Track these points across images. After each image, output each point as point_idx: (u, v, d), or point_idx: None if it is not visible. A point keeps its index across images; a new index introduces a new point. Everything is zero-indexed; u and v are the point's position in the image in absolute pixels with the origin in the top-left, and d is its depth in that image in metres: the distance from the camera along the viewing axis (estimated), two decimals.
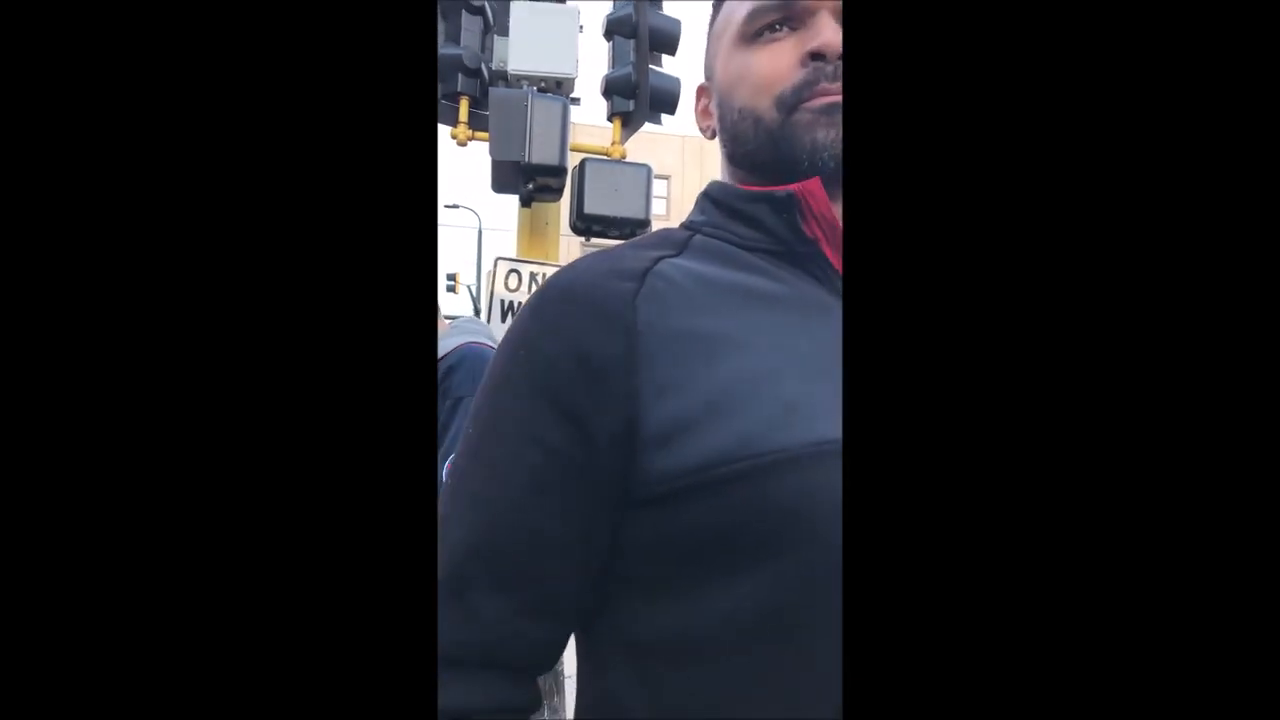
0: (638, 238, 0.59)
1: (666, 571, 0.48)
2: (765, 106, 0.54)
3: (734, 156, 0.58)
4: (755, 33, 0.55)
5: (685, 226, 0.58)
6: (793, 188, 0.52)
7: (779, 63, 0.53)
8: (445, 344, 1.49)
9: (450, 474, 0.52)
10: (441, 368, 1.44)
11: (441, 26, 2.86)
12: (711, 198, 0.58)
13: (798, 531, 0.45)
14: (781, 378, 0.47)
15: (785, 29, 0.54)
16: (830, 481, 0.44)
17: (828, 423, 0.46)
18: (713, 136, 0.62)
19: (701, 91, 0.63)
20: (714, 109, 0.60)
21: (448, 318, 1.69)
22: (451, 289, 15.32)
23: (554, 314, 0.50)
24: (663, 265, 0.52)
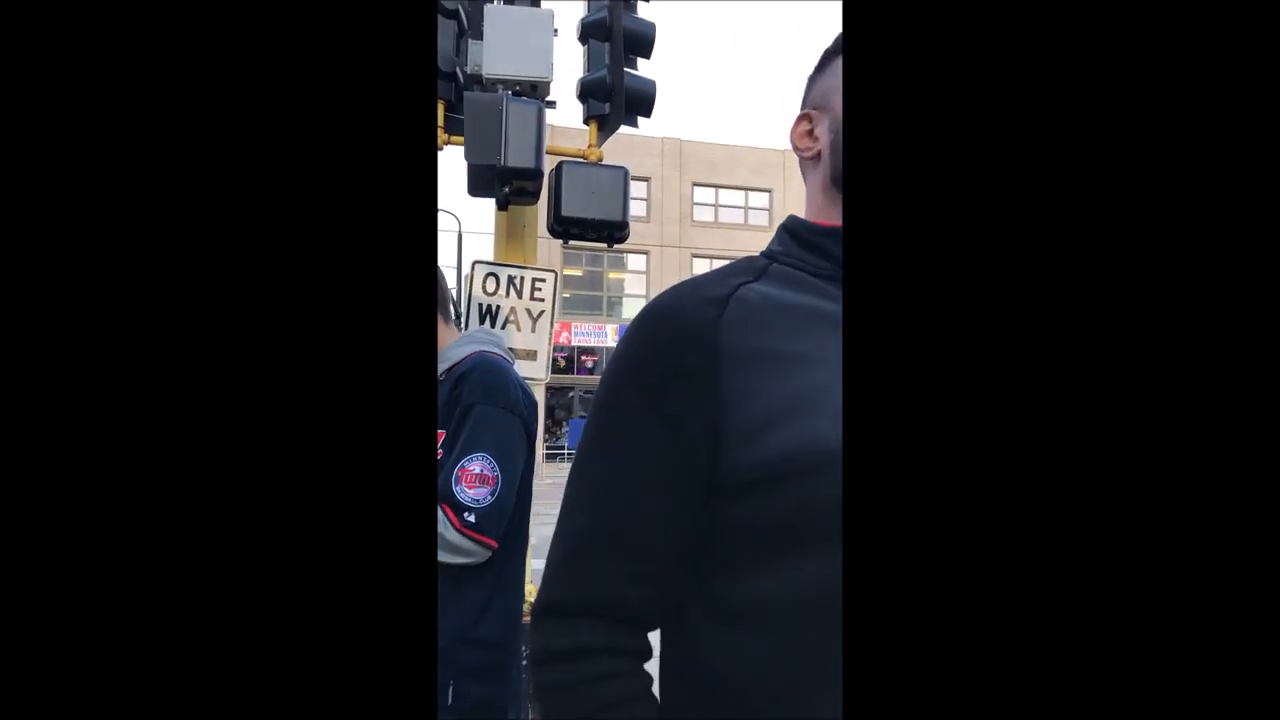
0: (724, 265, 0.68)
1: (748, 550, 0.57)
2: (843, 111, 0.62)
3: (840, 178, 0.66)
4: None
5: (764, 255, 0.68)
6: None
7: None
8: (458, 352, 1.49)
9: (573, 470, 0.64)
10: (453, 376, 1.44)
11: None
12: (789, 230, 0.69)
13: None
14: (840, 386, 0.53)
15: None
16: None
17: None
18: (813, 158, 0.70)
19: (805, 118, 0.72)
20: (823, 135, 0.69)
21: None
22: None
23: (652, 335, 0.61)
24: (742, 291, 0.61)
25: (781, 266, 0.66)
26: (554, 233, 2.81)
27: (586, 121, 3.04)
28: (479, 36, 2.83)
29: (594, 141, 3.02)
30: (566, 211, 2.70)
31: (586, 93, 2.99)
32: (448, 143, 2.79)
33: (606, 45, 2.98)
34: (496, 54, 2.68)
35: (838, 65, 0.70)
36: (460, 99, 2.73)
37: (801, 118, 0.73)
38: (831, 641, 0.51)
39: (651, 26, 3.08)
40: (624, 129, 3.15)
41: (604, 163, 2.90)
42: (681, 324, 0.60)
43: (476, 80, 2.84)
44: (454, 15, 2.84)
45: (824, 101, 0.70)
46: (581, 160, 2.92)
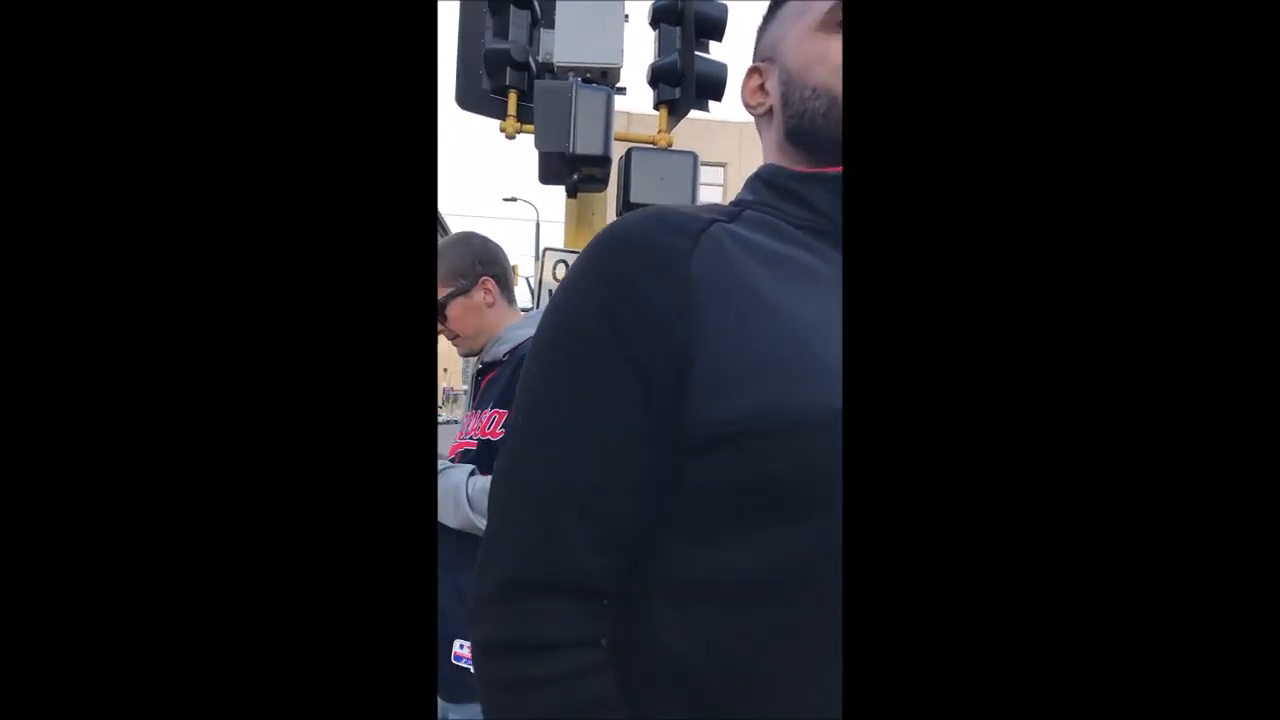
0: (697, 205, 0.62)
1: (710, 518, 0.50)
2: (841, 88, 0.56)
3: (794, 133, 0.61)
4: (839, 21, 0.59)
5: (734, 204, 0.61)
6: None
7: None
8: (522, 332, 1.52)
9: (522, 420, 0.54)
10: (516, 356, 1.47)
11: (490, 22, 2.90)
12: (763, 179, 0.62)
13: (832, 488, 0.46)
14: (823, 344, 0.49)
15: None
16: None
17: None
18: (764, 114, 0.64)
19: (754, 72, 0.66)
20: (774, 88, 0.63)
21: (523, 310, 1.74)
22: None
23: (612, 263, 0.52)
24: (716, 228, 0.54)
25: (756, 213, 0.58)
26: None
27: (657, 107, 3.04)
28: (551, 26, 2.86)
29: (664, 127, 3.02)
30: (635, 198, 2.71)
31: (657, 78, 2.99)
32: (520, 131, 2.84)
33: (678, 29, 2.96)
34: (567, 42, 2.70)
35: (785, 10, 0.64)
36: (533, 88, 2.77)
37: (751, 71, 0.66)
38: (800, 626, 0.48)
39: (723, 9, 3.04)
40: (702, 114, 3.13)
41: (673, 148, 2.89)
42: (646, 253, 0.51)
43: (549, 69, 2.88)
44: (527, 5, 2.88)
45: (772, 52, 0.64)
46: (651, 146, 2.92)
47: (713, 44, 3.09)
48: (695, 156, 2.80)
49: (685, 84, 2.93)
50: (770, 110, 0.64)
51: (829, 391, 0.47)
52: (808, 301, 0.51)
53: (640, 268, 0.51)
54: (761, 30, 0.67)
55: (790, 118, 0.61)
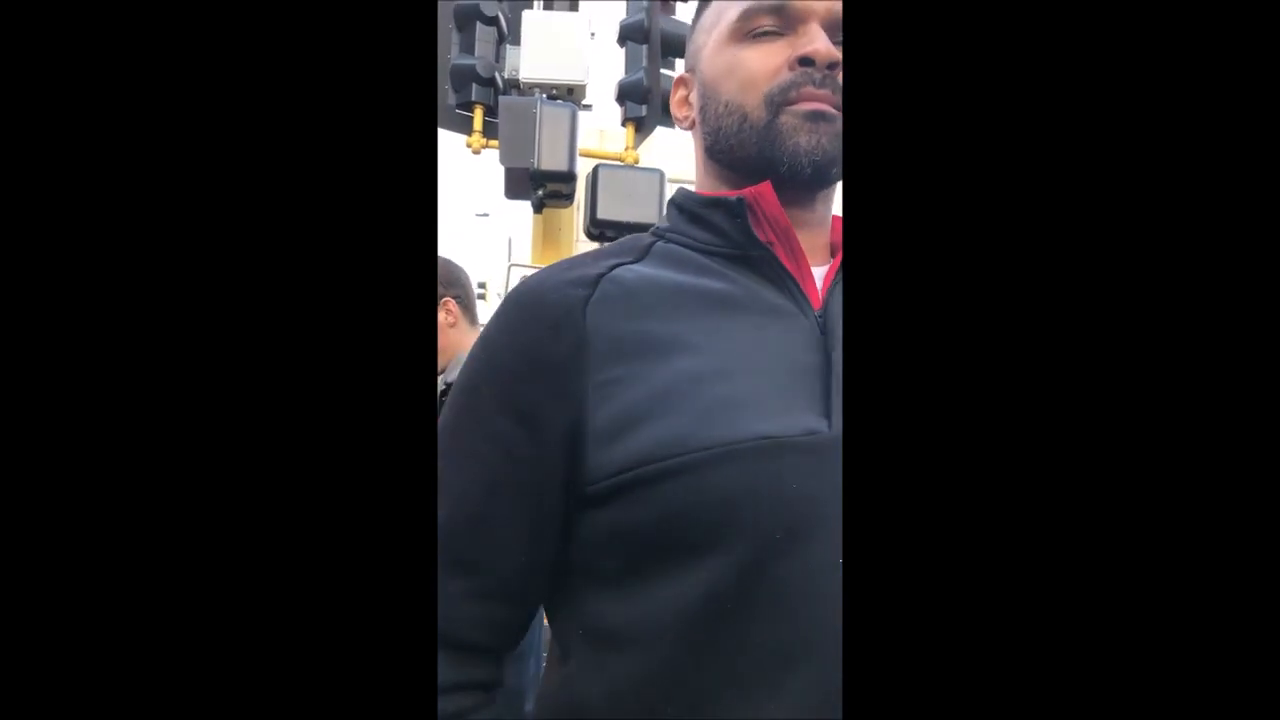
0: (604, 246, 0.61)
1: (616, 563, 0.50)
2: (753, 103, 0.55)
3: (712, 150, 0.59)
4: (748, 32, 0.57)
5: (653, 233, 0.61)
6: (744, 192, 0.55)
7: (769, 62, 0.55)
8: None
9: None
10: None
11: (456, 37, 2.89)
12: (676, 204, 0.61)
13: (737, 521, 0.46)
14: (724, 376, 0.49)
15: (777, 32, 0.56)
16: (770, 473, 0.46)
17: (768, 419, 0.48)
18: (690, 128, 0.63)
19: (680, 83, 0.65)
20: (695, 100, 0.61)
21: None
22: (482, 297, 15.54)
23: (512, 320, 0.54)
24: (618, 271, 0.54)
25: (667, 245, 0.58)
26: (590, 235, 2.82)
27: (624, 124, 3.05)
28: (518, 42, 2.87)
29: (631, 144, 3.03)
30: (602, 214, 2.71)
31: (624, 95, 3.00)
32: (485, 146, 2.83)
33: (644, 47, 2.98)
34: (532, 59, 2.71)
35: (704, 19, 0.62)
36: (497, 104, 2.76)
37: (677, 83, 0.65)
38: (707, 662, 0.46)
39: (689, 29, 3.07)
40: (670, 131, 3.15)
41: (640, 165, 2.90)
42: (543, 310, 0.52)
43: (515, 85, 2.88)
44: (493, 21, 2.88)
45: (694, 63, 0.62)
46: (618, 163, 2.93)
47: (679, 61, 3.11)
48: (662, 174, 2.81)
49: (652, 101, 2.95)
50: (694, 124, 0.62)
51: (728, 424, 0.47)
52: (711, 332, 0.51)
53: (536, 327, 0.52)
54: (690, 36, 0.65)
55: (707, 134, 0.60)
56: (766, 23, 0.56)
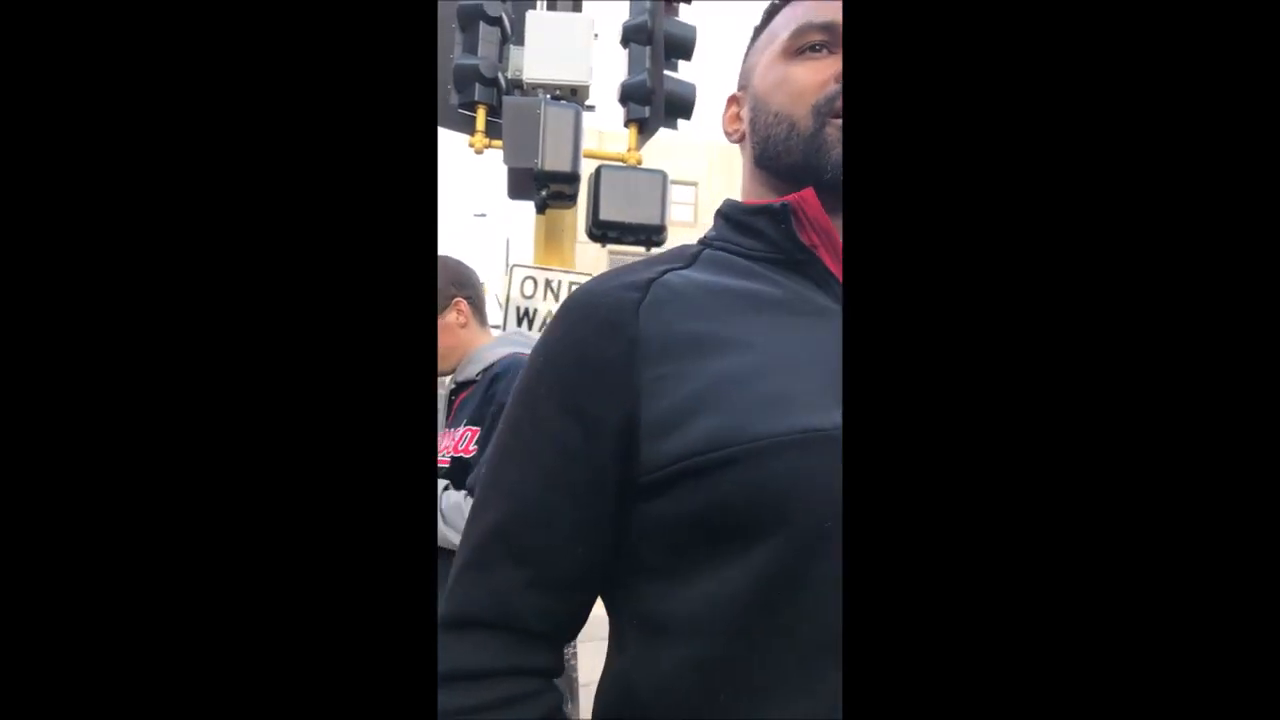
0: (657, 254, 0.66)
1: (668, 554, 0.52)
2: (802, 113, 0.60)
3: (761, 159, 0.64)
4: (798, 49, 0.62)
5: (701, 242, 0.65)
6: (788, 199, 0.59)
7: (817, 76, 0.60)
8: (493, 353, 1.55)
9: (485, 466, 0.61)
10: (488, 376, 1.49)
11: (460, 37, 2.89)
12: (723, 214, 0.65)
13: (785, 513, 0.48)
14: (773, 373, 0.52)
15: (825, 50, 0.61)
16: (817, 466, 0.48)
17: (815, 414, 0.49)
18: (739, 141, 0.68)
19: (733, 100, 0.70)
20: (746, 115, 0.67)
21: (494, 327, 1.75)
22: None
23: (568, 324, 0.58)
24: (669, 276, 0.58)
25: (714, 252, 0.62)
26: (592, 236, 2.82)
27: (626, 125, 3.05)
28: (521, 42, 2.86)
29: (634, 145, 3.03)
30: (604, 215, 2.72)
31: (627, 96, 3.00)
32: (488, 146, 2.83)
33: (647, 49, 2.99)
34: (536, 59, 2.71)
35: (760, 40, 0.67)
36: (502, 104, 2.76)
37: (730, 100, 0.71)
38: (756, 654, 0.48)
39: (692, 30, 3.07)
40: (674, 133, 3.15)
41: (643, 166, 2.90)
42: (597, 313, 0.56)
43: (518, 85, 2.87)
44: (497, 22, 2.88)
45: (746, 81, 0.68)
46: (621, 164, 2.93)
47: (682, 63, 3.12)
48: (665, 175, 2.81)
49: (654, 103, 2.95)
50: (744, 137, 0.67)
51: (775, 419, 0.49)
52: (758, 332, 0.54)
53: (590, 328, 0.56)
54: (743, 60, 0.70)
55: (756, 144, 0.64)
56: (816, 38, 0.61)
